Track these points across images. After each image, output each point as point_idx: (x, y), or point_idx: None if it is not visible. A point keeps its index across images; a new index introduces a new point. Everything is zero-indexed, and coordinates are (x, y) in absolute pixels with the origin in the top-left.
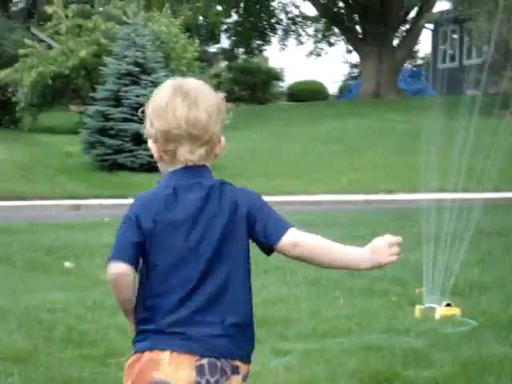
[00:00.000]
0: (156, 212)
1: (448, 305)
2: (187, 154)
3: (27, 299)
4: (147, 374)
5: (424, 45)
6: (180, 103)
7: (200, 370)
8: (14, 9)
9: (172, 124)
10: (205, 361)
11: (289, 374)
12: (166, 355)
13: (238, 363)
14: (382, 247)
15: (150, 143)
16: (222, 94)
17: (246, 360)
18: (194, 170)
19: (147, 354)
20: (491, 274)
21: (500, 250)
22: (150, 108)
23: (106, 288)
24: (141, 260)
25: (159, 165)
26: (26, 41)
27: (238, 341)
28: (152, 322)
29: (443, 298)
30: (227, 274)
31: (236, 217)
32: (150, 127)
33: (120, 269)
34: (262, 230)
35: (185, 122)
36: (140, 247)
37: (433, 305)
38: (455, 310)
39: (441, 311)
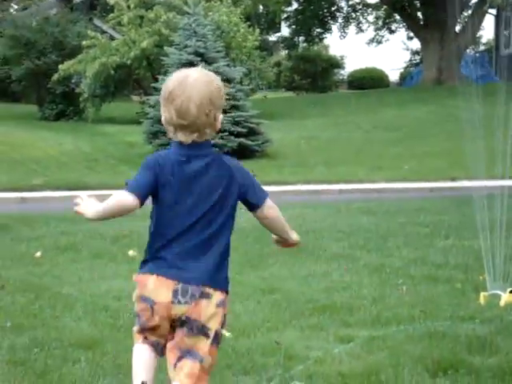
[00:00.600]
0: (169, 171)
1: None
2: (183, 138)
3: (93, 287)
4: (140, 291)
5: (487, 30)
6: (176, 99)
7: (174, 293)
8: (76, 0)
9: (167, 117)
10: (179, 286)
11: (353, 360)
12: (152, 278)
13: (208, 290)
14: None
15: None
16: (218, 83)
17: (218, 287)
18: (196, 145)
19: (141, 276)
20: None
21: None
22: (160, 97)
23: None
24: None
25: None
26: (89, 32)
27: (211, 273)
28: (149, 254)
29: (507, 284)
30: (217, 225)
31: (231, 184)
32: (161, 112)
33: (130, 199)
34: (252, 196)
35: (176, 116)
36: (150, 191)
37: (497, 291)
38: None
39: (506, 298)
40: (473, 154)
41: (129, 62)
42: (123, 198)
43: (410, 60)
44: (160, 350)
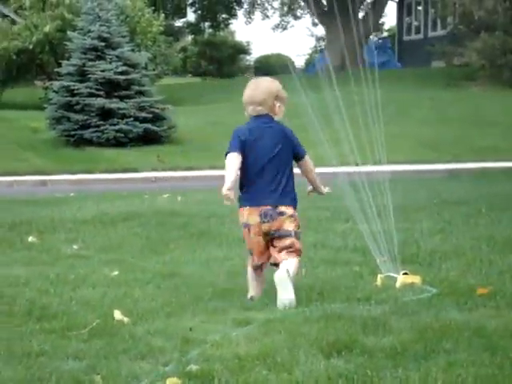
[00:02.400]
0: (246, 134)
1: (405, 274)
2: (252, 112)
3: None
4: (240, 219)
5: (389, 17)
6: (248, 88)
7: (260, 215)
8: None
9: (244, 98)
10: (263, 209)
11: (250, 343)
12: (246, 208)
13: (282, 209)
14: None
15: None
16: (277, 84)
17: (288, 204)
18: (259, 117)
19: (240, 209)
20: (451, 242)
21: (460, 218)
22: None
23: (69, 262)
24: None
25: None
26: None
27: (282, 197)
28: (242, 192)
29: (404, 267)
30: (280, 168)
31: (285, 139)
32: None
33: (233, 155)
34: (297, 150)
35: (248, 97)
36: (242, 148)
37: (392, 274)
38: (416, 278)
39: (401, 279)
40: (376, 140)
41: (31, 46)
42: (234, 157)
43: (315, 46)
44: (262, 269)
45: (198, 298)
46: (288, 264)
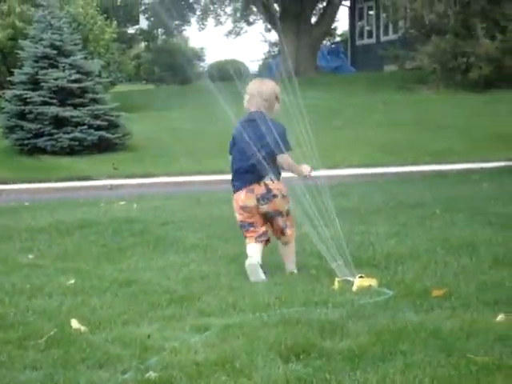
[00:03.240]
0: (237, 130)
1: (361, 277)
2: (256, 105)
3: None
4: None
5: (342, 22)
6: (255, 83)
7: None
8: None
9: (251, 90)
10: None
11: (208, 349)
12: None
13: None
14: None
15: None
16: (276, 86)
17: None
18: (251, 113)
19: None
20: (407, 244)
21: (415, 221)
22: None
23: (24, 271)
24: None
25: None
26: None
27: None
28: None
29: (360, 270)
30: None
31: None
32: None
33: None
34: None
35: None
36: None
37: (349, 277)
38: (372, 281)
39: (358, 283)
40: (330, 144)
41: None
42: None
43: (269, 51)
44: (264, 242)
45: (156, 304)
46: None
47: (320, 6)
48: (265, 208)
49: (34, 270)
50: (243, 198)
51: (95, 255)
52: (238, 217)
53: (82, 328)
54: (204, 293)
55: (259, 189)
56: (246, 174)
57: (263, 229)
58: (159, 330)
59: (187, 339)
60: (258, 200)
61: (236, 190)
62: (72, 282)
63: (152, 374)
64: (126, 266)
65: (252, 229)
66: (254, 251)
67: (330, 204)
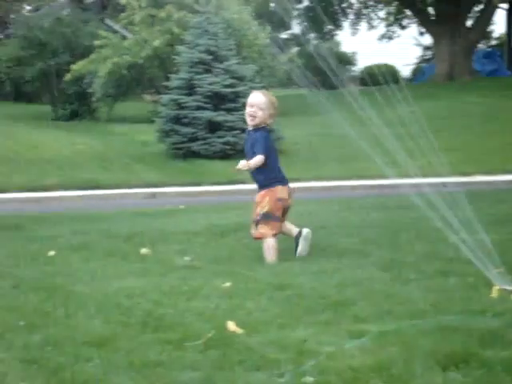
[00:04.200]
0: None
1: None
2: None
3: (105, 285)
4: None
5: (499, 25)
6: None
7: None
8: (88, 1)
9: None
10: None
11: (364, 355)
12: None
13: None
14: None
15: None
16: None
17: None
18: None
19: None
20: None
21: None
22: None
23: (181, 273)
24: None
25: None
26: (101, 32)
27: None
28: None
29: None
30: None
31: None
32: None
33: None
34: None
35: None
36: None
37: (507, 287)
38: None
39: None
40: (487, 149)
41: (141, 61)
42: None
43: (422, 55)
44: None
45: (310, 309)
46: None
47: (476, 8)
48: (290, 202)
49: (191, 272)
50: (281, 190)
51: (249, 258)
52: (268, 208)
53: (239, 330)
54: (358, 298)
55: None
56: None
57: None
58: (314, 334)
59: (343, 344)
60: (289, 194)
61: (282, 183)
62: (228, 284)
63: (309, 379)
64: (279, 269)
65: (278, 223)
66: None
67: (484, 210)
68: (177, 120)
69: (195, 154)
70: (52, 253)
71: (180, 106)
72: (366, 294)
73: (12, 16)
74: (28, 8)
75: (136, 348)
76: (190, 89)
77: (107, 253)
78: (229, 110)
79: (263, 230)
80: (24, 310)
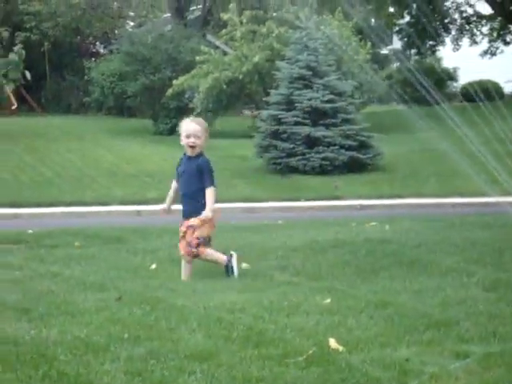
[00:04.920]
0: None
1: None
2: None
3: (206, 299)
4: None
5: None
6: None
7: None
8: (190, 17)
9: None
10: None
11: (469, 377)
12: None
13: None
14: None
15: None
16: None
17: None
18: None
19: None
20: None
21: None
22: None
23: (282, 289)
24: None
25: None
26: (202, 48)
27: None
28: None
29: None
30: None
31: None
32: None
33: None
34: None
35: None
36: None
37: None
38: None
39: None
40: None
41: (241, 76)
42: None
43: None
44: None
45: (413, 328)
46: None
47: None
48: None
49: (291, 288)
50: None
51: (349, 275)
52: (201, 234)
53: (340, 348)
54: (462, 318)
55: None
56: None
57: None
58: (417, 354)
59: (447, 365)
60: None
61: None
62: (328, 301)
63: None
64: (380, 287)
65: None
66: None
67: None
68: (275, 135)
69: (293, 170)
70: (154, 266)
71: (279, 122)
72: (470, 314)
73: (116, 32)
74: (132, 24)
75: (238, 363)
76: (289, 104)
77: (208, 267)
78: (327, 126)
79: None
80: (128, 323)
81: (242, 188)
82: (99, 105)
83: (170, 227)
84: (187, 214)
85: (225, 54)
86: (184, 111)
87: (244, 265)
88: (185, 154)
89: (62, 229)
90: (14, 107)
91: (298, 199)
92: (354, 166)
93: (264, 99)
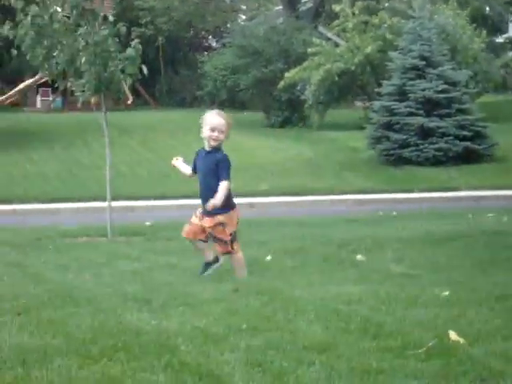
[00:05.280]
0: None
1: None
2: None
3: (322, 291)
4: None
5: None
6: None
7: None
8: (302, 9)
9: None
10: None
11: None
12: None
13: None
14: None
15: None
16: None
17: None
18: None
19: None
20: None
21: None
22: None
23: (398, 281)
24: None
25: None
26: (314, 40)
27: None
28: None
29: None
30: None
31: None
32: None
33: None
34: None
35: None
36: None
37: None
38: None
39: None
40: None
41: (353, 67)
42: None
43: None
44: None
45: None
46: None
47: None
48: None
49: (408, 280)
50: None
51: (467, 267)
52: (233, 229)
53: (461, 340)
54: None
55: None
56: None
57: None
58: None
59: None
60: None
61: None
62: (446, 293)
63: None
64: (500, 279)
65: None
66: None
67: None
68: (388, 126)
69: (406, 161)
70: (269, 257)
71: (391, 112)
72: None
73: (229, 25)
74: (244, 17)
75: (356, 354)
76: (401, 95)
77: (322, 258)
78: (441, 116)
79: (236, 247)
80: (245, 314)
81: (353, 180)
82: (212, 98)
83: (283, 219)
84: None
85: (336, 45)
86: (295, 103)
87: (359, 256)
88: (203, 148)
89: (177, 221)
90: (129, 101)
91: (411, 191)
92: (469, 157)
93: (376, 90)
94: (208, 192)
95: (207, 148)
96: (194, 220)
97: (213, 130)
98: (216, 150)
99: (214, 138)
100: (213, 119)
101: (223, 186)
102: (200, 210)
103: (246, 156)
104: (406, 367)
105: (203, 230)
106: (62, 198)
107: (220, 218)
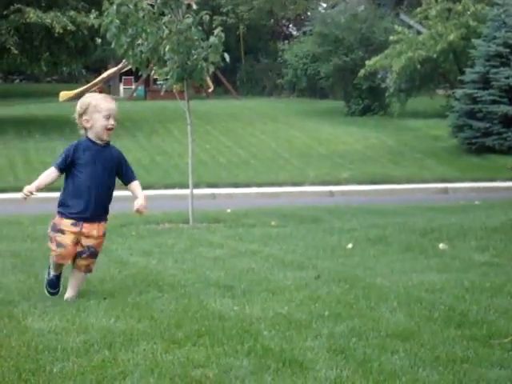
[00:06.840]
0: None
1: None
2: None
3: (405, 279)
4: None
5: None
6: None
7: None
8: None
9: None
10: None
11: None
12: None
13: None
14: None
15: None
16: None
17: None
18: None
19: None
20: None
21: None
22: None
23: (482, 270)
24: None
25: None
26: (396, 27)
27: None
28: None
29: None
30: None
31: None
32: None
33: None
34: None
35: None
36: None
37: None
38: None
39: None
40: None
41: (435, 55)
42: None
43: None
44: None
45: None
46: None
47: None
48: None
49: (492, 269)
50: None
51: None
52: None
53: None
54: None
55: None
56: None
57: None
58: None
59: None
60: None
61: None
62: None
63: None
64: None
65: None
66: None
67: None
68: (471, 114)
69: (489, 149)
70: (350, 245)
71: (474, 101)
72: None
73: (309, 13)
74: (324, 5)
75: (441, 343)
76: (485, 83)
77: (404, 247)
78: None
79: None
80: (327, 301)
81: (435, 168)
82: (292, 86)
83: (364, 207)
84: (98, 214)
85: (419, 33)
86: (376, 92)
87: (441, 245)
88: (89, 140)
89: (257, 208)
90: (210, 90)
91: (494, 179)
92: None
93: (458, 78)
94: (105, 194)
95: (98, 141)
96: (67, 238)
97: (108, 117)
98: (108, 144)
99: (109, 128)
100: (109, 104)
101: (139, 186)
102: (71, 221)
103: (326, 144)
104: (491, 356)
105: (76, 243)
106: (145, 185)
107: (106, 225)
